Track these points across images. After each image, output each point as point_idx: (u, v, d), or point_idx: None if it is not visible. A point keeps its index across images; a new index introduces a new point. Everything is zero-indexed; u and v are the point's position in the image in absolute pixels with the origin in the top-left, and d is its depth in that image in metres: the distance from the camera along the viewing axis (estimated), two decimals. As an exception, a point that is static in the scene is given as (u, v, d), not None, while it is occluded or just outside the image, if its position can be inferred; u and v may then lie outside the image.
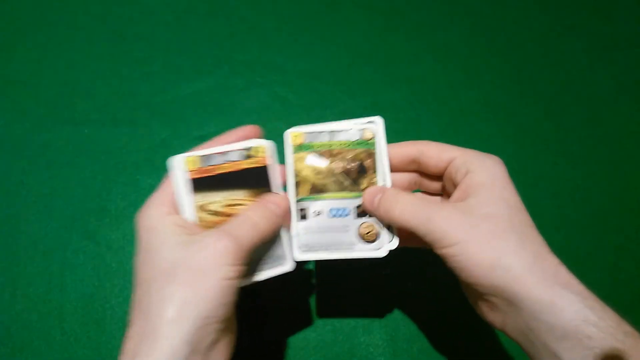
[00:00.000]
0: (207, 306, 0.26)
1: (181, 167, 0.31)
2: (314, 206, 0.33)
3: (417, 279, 0.46)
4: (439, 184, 0.35)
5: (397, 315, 0.44)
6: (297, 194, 0.33)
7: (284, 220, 0.32)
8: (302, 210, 0.33)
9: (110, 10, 0.56)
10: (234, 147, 0.32)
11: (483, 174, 0.29)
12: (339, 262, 0.33)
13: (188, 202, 0.31)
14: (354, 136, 0.34)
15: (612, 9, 0.62)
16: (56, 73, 0.52)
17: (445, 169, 0.32)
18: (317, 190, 0.33)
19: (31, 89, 0.51)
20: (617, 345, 0.23)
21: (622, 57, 0.59)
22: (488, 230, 0.27)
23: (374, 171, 0.33)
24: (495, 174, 0.30)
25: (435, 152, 0.32)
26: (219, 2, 0.58)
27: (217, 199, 0.31)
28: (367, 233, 0.33)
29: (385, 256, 0.33)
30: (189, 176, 0.31)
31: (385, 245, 0.33)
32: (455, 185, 0.31)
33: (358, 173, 0.33)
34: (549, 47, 0.59)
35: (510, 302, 0.26)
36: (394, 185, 0.34)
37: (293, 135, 0.34)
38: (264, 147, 0.33)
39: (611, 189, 0.51)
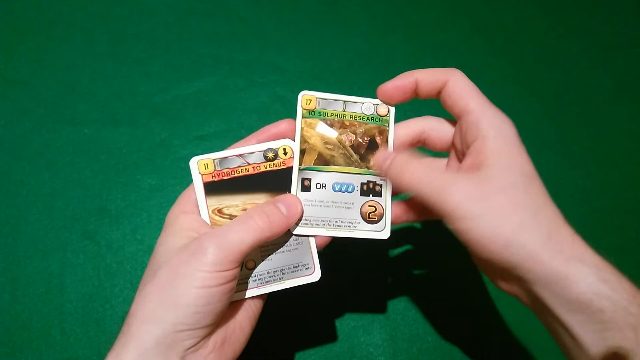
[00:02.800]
0: (178, 312, 0.25)
1: (195, 169, 0.30)
2: (318, 178, 0.31)
3: (417, 279, 0.46)
4: (446, 140, 0.32)
5: (397, 315, 0.44)
6: (302, 162, 0.31)
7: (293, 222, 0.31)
8: (305, 180, 0.31)
9: (110, 10, 0.56)
10: (254, 149, 0.31)
11: (497, 141, 0.28)
12: (340, 243, 0.32)
13: (202, 205, 0.30)
14: (368, 110, 0.32)
15: (612, 9, 0.62)
16: (56, 73, 0.52)
17: (458, 116, 0.30)
18: (323, 161, 0.32)
19: (31, 89, 0.51)
20: (630, 318, 0.23)
21: (621, 57, 0.59)
22: (502, 204, 0.26)
23: (385, 149, 0.32)
24: (509, 139, 0.28)
25: (455, 93, 0.29)
26: (219, 2, 0.58)
27: (235, 203, 0.31)
28: (371, 213, 0.31)
29: (388, 239, 0.31)
30: (201, 179, 0.30)
31: (389, 227, 0.31)
32: (462, 142, 0.30)
33: (367, 149, 0.32)
34: (548, 47, 0.59)
35: (522, 278, 0.26)
36: (398, 137, 0.32)
37: (306, 98, 0.32)
38: (290, 148, 0.31)
39: (611, 189, 0.51)
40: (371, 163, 0.32)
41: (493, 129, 0.28)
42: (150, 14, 0.57)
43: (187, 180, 0.48)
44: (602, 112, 0.55)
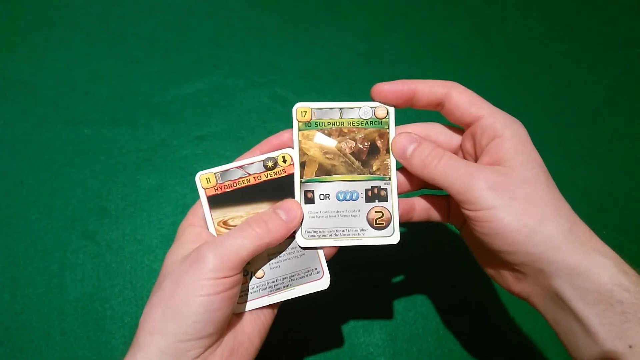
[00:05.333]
0: (179, 322, 0.25)
1: (199, 184, 0.31)
2: (321, 189, 0.31)
3: (418, 279, 0.46)
4: (453, 145, 0.33)
5: (397, 315, 0.44)
6: (303, 175, 0.31)
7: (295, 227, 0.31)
8: (308, 192, 0.31)
9: (110, 10, 0.56)
10: (253, 160, 0.31)
11: (513, 140, 0.28)
12: (346, 252, 0.32)
13: (208, 218, 0.31)
14: (366, 114, 0.32)
15: (612, 9, 0.62)
16: (56, 73, 0.52)
17: (469, 124, 0.30)
18: (324, 171, 0.31)
19: (31, 89, 0.51)
20: None
21: (622, 57, 0.59)
22: (527, 195, 0.26)
23: (387, 151, 0.32)
24: (524, 138, 0.29)
25: (464, 103, 0.30)
26: (219, 2, 0.58)
27: (240, 214, 0.31)
28: (378, 218, 0.31)
29: (398, 243, 0.31)
30: (204, 194, 0.31)
31: (398, 231, 0.31)
32: (476, 145, 0.30)
33: (368, 154, 0.32)
34: (548, 46, 0.59)
35: (542, 270, 0.26)
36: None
37: (300, 110, 0.32)
38: (289, 156, 0.31)
39: (611, 189, 0.51)
40: (373, 169, 0.32)
41: (508, 129, 0.28)
42: (150, 14, 0.57)
43: (187, 180, 0.49)
44: (602, 112, 0.55)
